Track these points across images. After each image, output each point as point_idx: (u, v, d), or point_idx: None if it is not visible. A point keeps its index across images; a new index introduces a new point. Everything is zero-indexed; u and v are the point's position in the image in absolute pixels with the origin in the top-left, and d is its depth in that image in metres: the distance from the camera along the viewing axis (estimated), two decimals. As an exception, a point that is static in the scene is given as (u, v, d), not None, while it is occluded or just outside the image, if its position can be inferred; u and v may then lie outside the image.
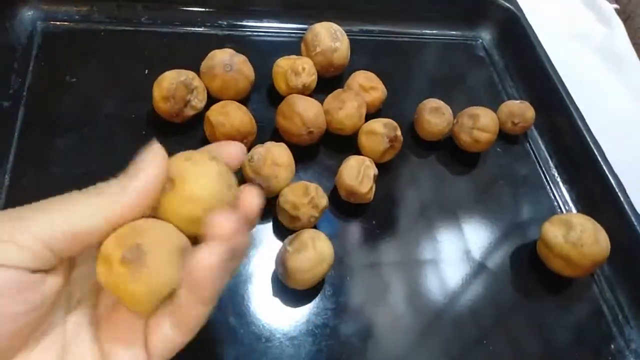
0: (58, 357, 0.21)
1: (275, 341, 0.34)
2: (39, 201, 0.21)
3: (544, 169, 0.50)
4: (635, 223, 0.43)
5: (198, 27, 0.51)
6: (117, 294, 0.21)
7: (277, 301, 0.36)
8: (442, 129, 0.46)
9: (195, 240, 0.22)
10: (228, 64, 0.43)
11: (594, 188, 0.47)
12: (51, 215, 0.20)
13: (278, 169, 0.38)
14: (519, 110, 0.49)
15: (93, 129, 0.42)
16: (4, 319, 0.19)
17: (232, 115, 0.39)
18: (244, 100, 0.45)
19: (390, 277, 0.39)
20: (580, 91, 0.52)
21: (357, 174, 0.39)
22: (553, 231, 0.39)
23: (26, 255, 0.19)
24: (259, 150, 0.38)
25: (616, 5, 0.73)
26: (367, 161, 0.40)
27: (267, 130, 0.45)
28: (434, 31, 0.59)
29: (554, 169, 0.50)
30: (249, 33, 0.52)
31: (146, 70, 0.46)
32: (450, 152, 0.48)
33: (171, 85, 0.40)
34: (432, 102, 0.47)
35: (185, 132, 0.43)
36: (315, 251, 0.34)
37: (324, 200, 0.38)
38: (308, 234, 0.35)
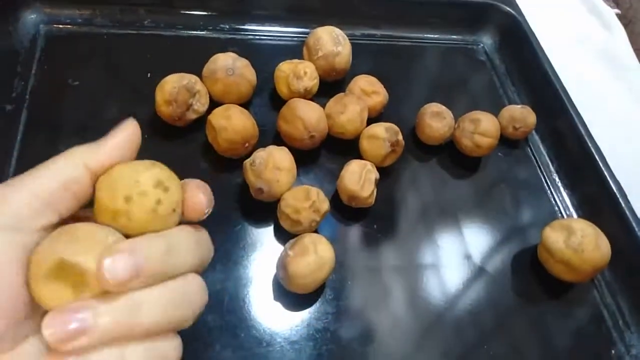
0: None
1: (276, 345, 0.34)
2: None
3: (544, 173, 0.50)
4: (636, 228, 0.43)
5: (200, 30, 0.51)
6: None
7: (278, 305, 0.36)
8: (444, 133, 0.46)
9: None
10: (230, 68, 0.43)
11: (595, 193, 0.47)
12: (41, 174, 0.22)
13: (279, 173, 0.38)
14: (521, 115, 0.49)
15: (95, 133, 0.41)
16: (8, 285, 0.20)
17: (234, 119, 0.40)
18: (246, 104, 0.45)
19: (391, 281, 0.39)
20: (581, 96, 0.52)
21: (359, 179, 0.39)
22: (554, 236, 0.39)
23: (26, 212, 0.21)
24: (261, 154, 0.38)
25: (617, 10, 0.73)
26: (369, 165, 0.40)
27: (269, 134, 0.45)
28: (436, 35, 0.59)
29: (555, 174, 0.50)
30: (251, 37, 0.53)
31: (149, 74, 0.46)
32: (451, 156, 0.48)
33: (173, 89, 0.40)
34: (434, 107, 0.47)
35: (188, 136, 0.43)
36: (316, 255, 0.34)
37: (325, 205, 0.38)
38: (309, 238, 0.35)
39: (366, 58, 0.54)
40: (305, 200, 0.37)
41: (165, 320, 0.21)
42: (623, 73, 0.63)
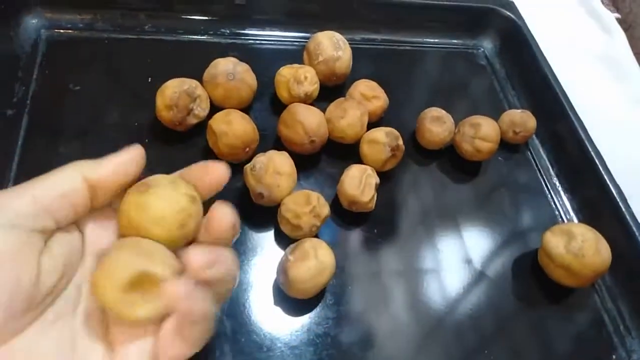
0: (66, 347, 0.22)
1: (276, 350, 0.34)
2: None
3: (545, 177, 0.50)
4: (637, 233, 0.43)
5: (201, 35, 0.52)
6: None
7: (278, 310, 0.36)
8: (444, 138, 0.46)
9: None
10: (231, 73, 0.43)
11: (595, 197, 0.47)
12: (41, 182, 0.23)
13: (280, 178, 0.38)
14: (521, 119, 0.49)
15: (96, 137, 0.42)
16: (8, 280, 0.20)
17: (235, 123, 0.40)
18: (246, 109, 0.45)
19: (392, 285, 0.39)
20: (581, 100, 0.52)
21: (359, 183, 0.39)
22: (554, 241, 0.39)
23: (25, 213, 0.21)
24: (261, 159, 0.38)
25: (617, 15, 0.74)
26: (369, 170, 0.40)
27: (269, 139, 0.45)
28: (436, 40, 0.60)
29: (555, 178, 0.50)
30: (252, 41, 0.53)
31: (149, 79, 0.46)
32: (452, 160, 0.48)
33: (174, 93, 0.40)
34: (434, 111, 0.47)
35: (188, 141, 0.43)
36: (316, 260, 0.34)
37: (325, 209, 0.38)
38: (310, 243, 0.35)
39: (366, 62, 0.54)
40: (305, 205, 0.37)
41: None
42: (623, 77, 0.63)
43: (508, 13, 0.59)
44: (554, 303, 0.41)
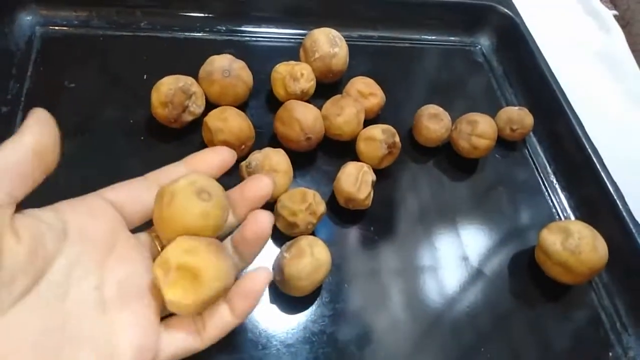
0: (56, 330, 0.22)
1: (272, 348, 0.34)
2: (34, 205, 0.24)
3: (542, 175, 0.50)
4: (634, 230, 0.42)
5: (197, 32, 0.51)
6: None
7: (274, 308, 0.36)
8: (441, 135, 0.46)
9: None
10: (227, 70, 0.43)
11: (593, 195, 0.47)
12: None
13: (276, 175, 0.38)
14: (518, 116, 0.49)
15: (91, 135, 0.42)
16: None
17: (231, 121, 0.39)
18: (242, 106, 0.45)
19: (388, 283, 0.39)
20: (579, 97, 0.52)
21: (355, 180, 0.39)
22: (551, 238, 0.39)
23: None
24: (257, 156, 0.38)
25: (615, 12, 0.73)
26: (365, 167, 0.40)
27: (265, 136, 0.45)
28: (433, 37, 0.59)
29: (553, 176, 0.50)
30: (248, 38, 0.53)
31: (145, 76, 0.46)
32: (449, 158, 0.48)
33: (169, 90, 0.40)
34: (431, 108, 0.47)
35: (184, 138, 0.43)
36: (312, 257, 0.34)
37: (321, 207, 0.38)
38: (306, 241, 0.35)
39: (363, 60, 0.54)
40: (301, 202, 0.37)
41: None
42: (621, 74, 0.63)
43: (506, 10, 0.59)
44: (551, 300, 0.41)
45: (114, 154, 0.41)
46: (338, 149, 0.45)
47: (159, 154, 0.42)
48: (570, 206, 0.48)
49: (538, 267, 0.41)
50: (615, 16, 0.71)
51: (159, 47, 0.49)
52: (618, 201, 0.44)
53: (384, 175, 0.44)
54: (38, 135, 0.23)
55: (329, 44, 0.47)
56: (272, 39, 0.53)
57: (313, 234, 0.39)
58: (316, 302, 0.37)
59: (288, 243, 0.36)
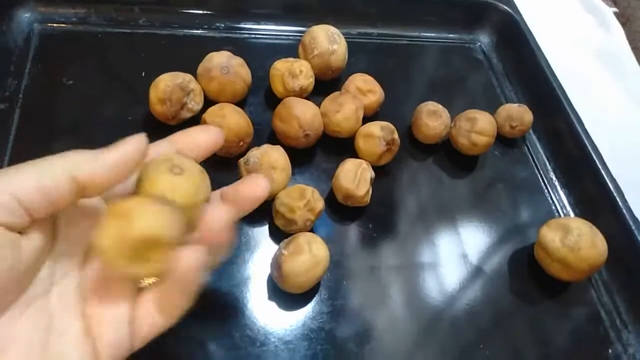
0: (42, 327, 0.22)
1: (270, 345, 0.34)
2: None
3: (542, 172, 0.50)
4: (633, 227, 0.42)
5: (196, 29, 0.51)
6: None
7: (272, 305, 0.36)
8: (440, 132, 0.46)
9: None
10: (225, 67, 0.43)
11: (592, 192, 0.46)
12: (24, 174, 0.21)
13: (274, 172, 0.37)
14: (517, 113, 0.49)
15: (89, 132, 0.42)
16: None
17: (229, 117, 0.39)
18: (240, 103, 0.45)
19: (387, 280, 0.39)
20: (578, 94, 0.52)
21: (354, 177, 0.39)
22: (550, 235, 0.39)
23: (2, 211, 0.20)
24: (255, 153, 0.38)
25: (615, 9, 0.73)
26: (364, 164, 0.40)
27: (264, 133, 0.45)
28: (433, 34, 0.59)
29: (552, 173, 0.50)
30: (247, 35, 0.52)
31: (143, 73, 0.46)
32: (448, 155, 0.48)
33: (167, 87, 0.40)
34: (430, 105, 0.47)
35: (182, 135, 0.43)
36: (310, 254, 0.34)
37: (320, 204, 0.38)
38: (304, 238, 0.35)
39: (362, 56, 0.54)
40: (300, 199, 0.37)
41: None
42: (621, 71, 0.63)
43: (505, 7, 0.59)
44: (551, 297, 0.41)
45: (112, 151, 0.41)
46: (337, 146, 0.45)
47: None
48: (569, 203, 0.48)
49: (537, 264, 0.41)
50: (615, 13, 0.70)
51: (158, 44, 0.49)
52: (617, 198, 0.44)
53: (382, 172, 0.44)
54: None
55: (328, 41, 0.47)
56: (271, 36, 0.53)
57: (312, 230, 0.39)
58: (315, 299, 0.37)
59: (286, 240, 0.36)
